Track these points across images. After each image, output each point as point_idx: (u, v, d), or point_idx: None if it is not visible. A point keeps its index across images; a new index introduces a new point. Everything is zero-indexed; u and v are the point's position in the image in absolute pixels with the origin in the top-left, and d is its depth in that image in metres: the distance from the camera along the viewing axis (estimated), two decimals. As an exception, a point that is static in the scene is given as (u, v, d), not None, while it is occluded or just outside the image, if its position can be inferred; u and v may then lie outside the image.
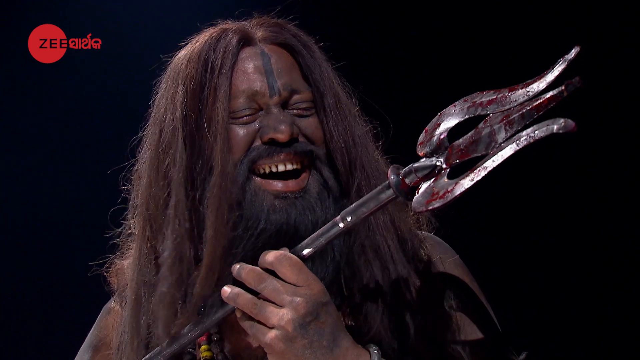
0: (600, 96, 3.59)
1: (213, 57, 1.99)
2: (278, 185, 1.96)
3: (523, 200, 3.84)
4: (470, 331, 2.00)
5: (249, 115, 1.97)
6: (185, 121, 1.99)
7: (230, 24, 2.07)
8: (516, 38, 3.74)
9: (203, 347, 2.03)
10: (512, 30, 3.76)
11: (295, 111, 1.99)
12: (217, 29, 2.05)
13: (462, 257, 2.10)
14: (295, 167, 1.97)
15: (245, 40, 2.01)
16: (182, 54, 2.06)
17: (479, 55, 3.77)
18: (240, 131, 1.97)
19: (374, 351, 1.90)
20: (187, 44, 2.07)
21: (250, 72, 1.99)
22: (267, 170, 1.96)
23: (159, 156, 2.02)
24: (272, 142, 1.95)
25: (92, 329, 2.22)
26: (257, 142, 1.97)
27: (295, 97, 1.99)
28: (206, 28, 2.08)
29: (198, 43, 2.03)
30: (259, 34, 2.03)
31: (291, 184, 1.96)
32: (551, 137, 1.62)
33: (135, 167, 2.10)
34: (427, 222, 2.14)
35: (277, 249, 1.90)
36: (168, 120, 2.01)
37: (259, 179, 1.96)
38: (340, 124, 2.01)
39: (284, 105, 1.98)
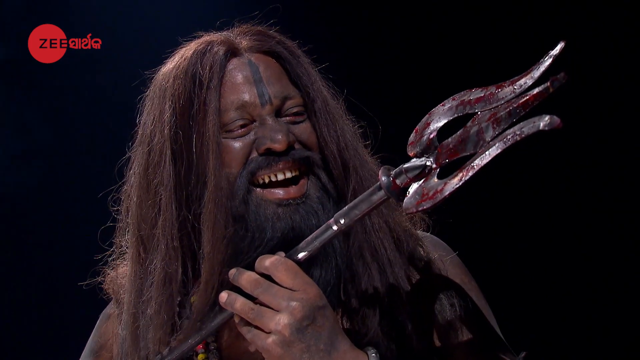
0: (588, 91, 3.61)
1: (200, 71, 2.01)
2: (279, 193, 1.99)
3: (518, 198, 3.86)
4: (468, 331, 2.02)
5: (242, 127, 2.00)
6: (174, 139, 2.02)
7: (213, 36, 2.09)
8: (503, 32, 3.75)
9: (200, 355, 2.08)
10: (499, 25, 3.78)
11: (288, 118, 2.02)
12: (200, 42, 2.07)
13: (460, 255, 2.12)
14: (294, 174, 2.00)
15: (232, 52, 2.03)
16: (167, 69, 2.08)
17: (467, 52, 3.79)
18: (236, 145, 2.00)
19: (372, 354, 1.94)
20: (170, 59, 2.09)
21: (240, 83, 2.01)
22: (267, 180, 2.00)
23: (148, 176, 2.05)
24: (270, 152, 1.99)
25: (92, 335, 2.27)
26: (254, 154, 2.00)
27: (288, 103, 2.02)
28: (187, 43, 2.10)
29: (183, 58, 2.05)
30: (244, 43, 2.05)
31: (292, 191, 1.99)
32: (538, 134, 1.65)
33: (124, 188, 2.13)
34: (422, 222, 2.16)
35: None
36: (156, 138, 2.04)
37: (259, 189, 2.00)
38: (332, 127, 2.04)
39: (277, 113, 2.01)
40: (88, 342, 2.27)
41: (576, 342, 3.80)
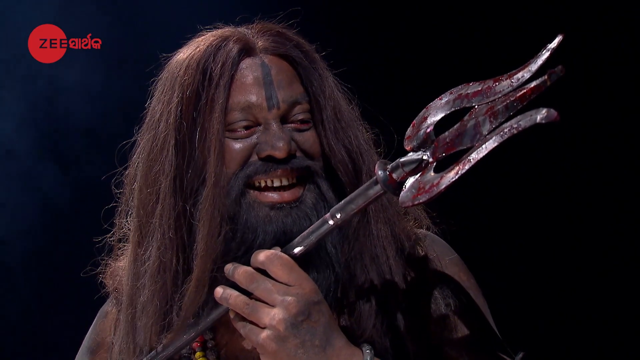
0: (586, 84, 3.63)
1: (212, 66, 2.01)
2: (274, 196, 2.00)
3: (515, 193, 3.86)
4: (464, 330, 2.04)
5: (245, 129, 2.01)
6: (178, 129, 2.02)
7: (231, 31, 2.09)
8: (508, 28, 3.78)
9: (198, 353, 2.09)
10: (501, 24, 3.80)
11: (293, 125, 2.02)
12: (217, 36, 2.07)
13: (463, 256, 2.13)
14: (291, 182, 2.01)
15: (246, 51, 2.03)
16: (180, 57, 2.07)
17: (474, 54, 3.81)
18: (237, 145, 2.00)
19: (367, 351, 1.95)
20: (186, 46, 2.09)
21: (249, 84, 2.01)
22: (263, 184, 2.00)
23: (150, 162, 2.06)
24: (270, 159, 1.99)
25: (89, 332, 2.28)
26: (254, 158, 2.00)
27: (296, 109, 2.02)
28: (206, 31, 2.10)
29: (197, 49, 2.05)
30: (260, 43, 2.05)
31: (286, 195, 2.00)
32: (535, 128, 1.66)
33: (127, 171, 2.15)
34: (426, 223, 2.17)
35: None
36: (162, 125, 2.05)
37: (254, 191, 2.00)
38: (343, 135, 2.04)
39: (283, 118, 2.01)
40: (85, 339, 2.29)
41: (575, 342, 3.80)
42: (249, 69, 2.02)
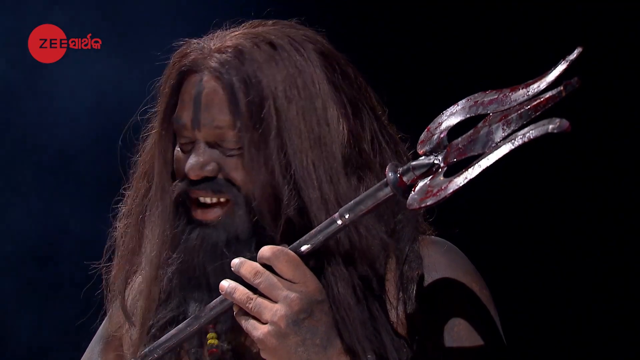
0: (600, 96, 3.66)
1: (167, 73, 2.10)
2: (199, 213, 2.07)
3: (529, 206, 3.88)
4: (471, 344, 2.03)
5: (184, 143, 2.08)
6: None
7: (197, 43, 2.10)
8: (526, 41, 3.81)
9: (210, 334, 2.08)
10: (523, 34, 3.84)
11: (221, 148, 2.05)
12: (186, 46, 2.11)
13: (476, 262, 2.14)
14: (215, 201, 2.06)
15: (192, 67, 2.06)
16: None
17: (492, 61, 3.84)
18: (179, 157, 2.08)
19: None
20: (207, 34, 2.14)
21: (185, 101, 2.06)
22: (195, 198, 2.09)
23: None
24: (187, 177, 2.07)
25: (104, 321, 2.29)
26: None
27: (220, 134, 2.04)
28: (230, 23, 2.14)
29: (183, 48, 2.11)
30: (211, 62, 2.05)
31: (209, 214, 2.06)
32: (547, 137, 1.70)
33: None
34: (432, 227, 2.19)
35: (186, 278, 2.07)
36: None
37: (193, 205, 2.08)
38: (268, 162, 2.03)
39: (209, 141, 2.05)
40: (100, 327, 2.30)
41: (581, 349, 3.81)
42: (190, 86, 2.06)
